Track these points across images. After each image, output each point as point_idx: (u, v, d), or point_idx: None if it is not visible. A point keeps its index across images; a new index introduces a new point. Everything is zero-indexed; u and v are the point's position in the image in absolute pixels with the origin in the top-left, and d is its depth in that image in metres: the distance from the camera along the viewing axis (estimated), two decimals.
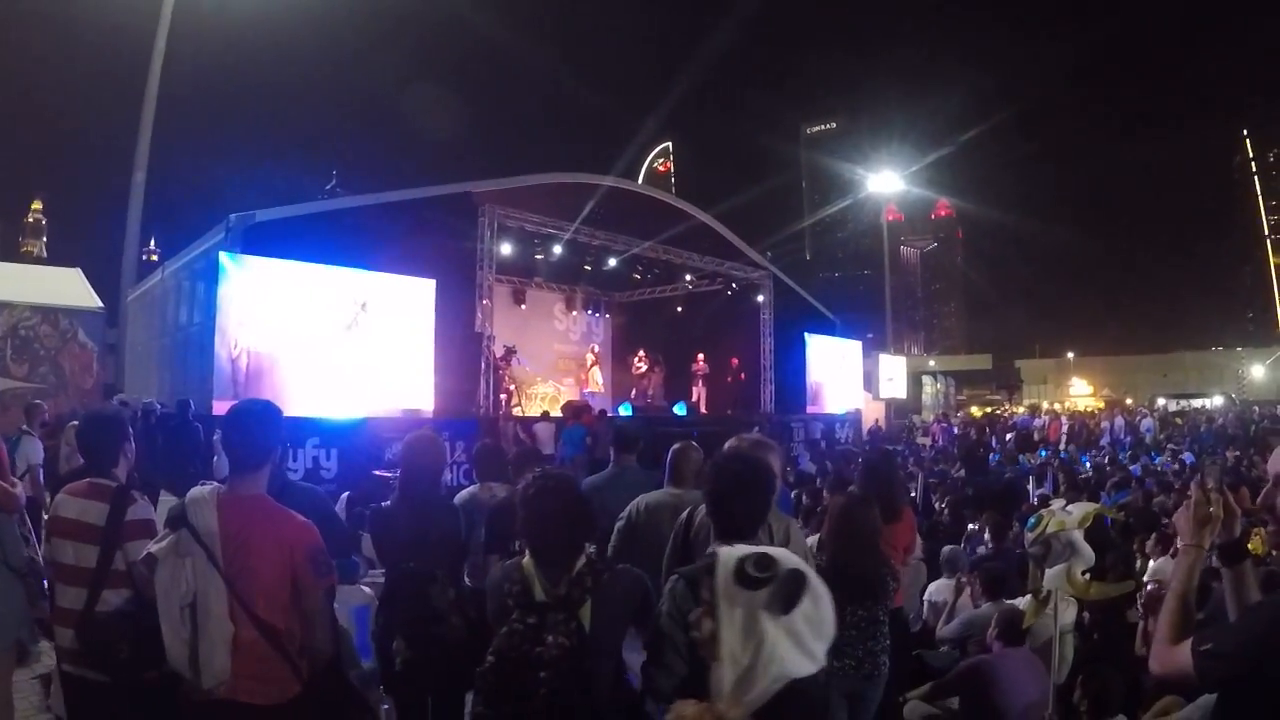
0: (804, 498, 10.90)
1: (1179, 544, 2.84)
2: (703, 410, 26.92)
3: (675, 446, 5.51)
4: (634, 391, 28.11)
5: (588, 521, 3.53)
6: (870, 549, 4.88)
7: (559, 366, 28.41)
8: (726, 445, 4.56)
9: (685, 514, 4.43)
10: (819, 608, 2.32)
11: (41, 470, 9.29)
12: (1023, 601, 6.44)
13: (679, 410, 26.36)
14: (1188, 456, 20.14)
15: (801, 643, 2.30)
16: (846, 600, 4.69)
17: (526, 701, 3.08)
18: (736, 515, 3.49)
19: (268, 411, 3.73)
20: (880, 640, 4.86)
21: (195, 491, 3.44)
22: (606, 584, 3.31)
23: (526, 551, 3.42)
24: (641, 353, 28.77)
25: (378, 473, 11.94)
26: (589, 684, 3.15)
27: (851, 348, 34.04)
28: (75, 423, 10.05)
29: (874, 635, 4.82)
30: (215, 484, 3.51)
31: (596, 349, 29.08)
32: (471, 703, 3.24)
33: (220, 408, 13.84)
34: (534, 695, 3.08)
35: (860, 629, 4.76)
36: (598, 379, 28.55)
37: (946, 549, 8.34)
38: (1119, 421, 31.51)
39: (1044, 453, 17.26)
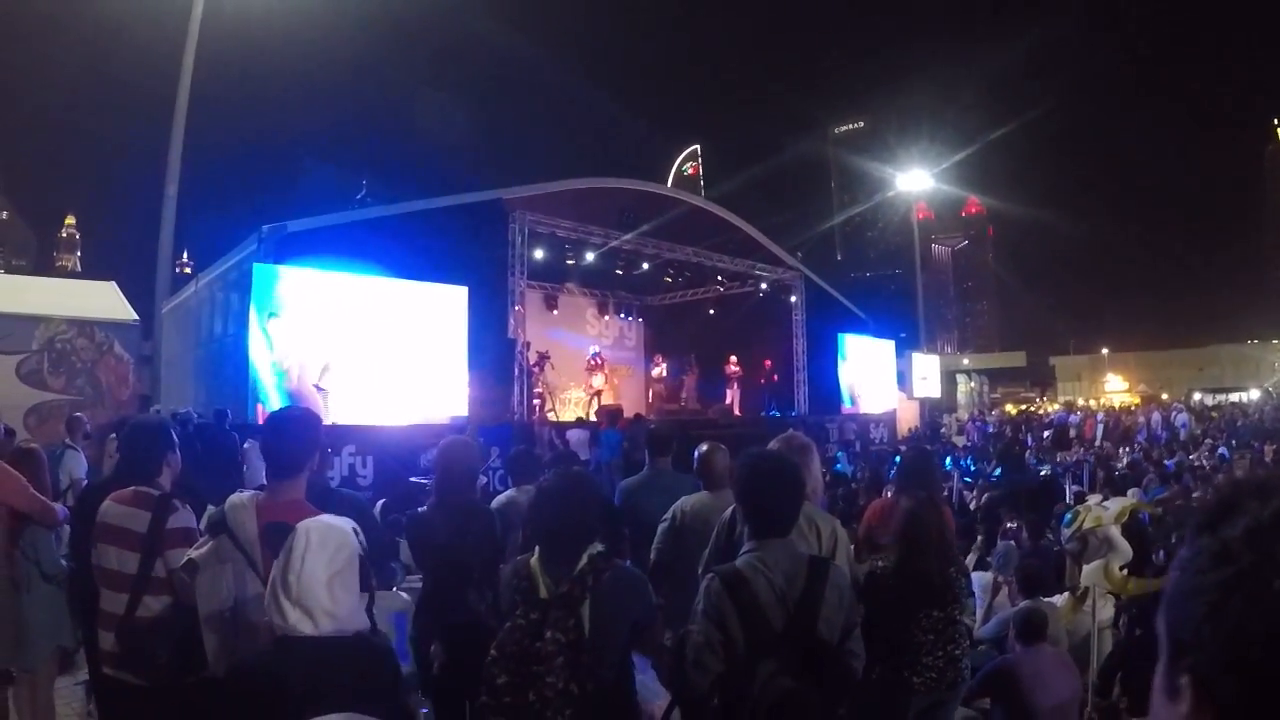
0: (839, 500, 10.87)
1: None
2: (736, 413, 26.83)
3: (701, 449, 5.52)
4: (651, 394, 28.07)
5: (596, 521, 3.57)
6: (939, 552, 4.82)
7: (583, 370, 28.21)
8: (770, 445, 4.58)
9: (729, 513, 4.44)
10: (290, 571, 2.65)
11: (85, 485, 9.36)
12: (1060, 599, 6.42)
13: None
14: (1224, 451, 19.99)
15: (274, 593, 2.68)
16: (918, 604, 4.70)
17: (525, 694, 3.13)
18: (767, 513, 3.50)
19: (306, 418, 3.78)
20: (960, 643, 4.79)
21: (235, 497, 3.49)
22: (608, 583, 3.35)
23: (535, 549, 3.48)
24: (658, 356, 28.78)
25: (414, 479, 11.98)
26: (587, 680, 3.19)
27: (884, 347, 33.73)
28: (114, 435, 10.18)
29: (952, 639, 4.74)
30: (255, 491, 3.55)
31: (597, 349, 28.35)
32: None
33: (256, 417, 13.94)
34: (533, 689, 3.14)
35: (938, 632, 4.68)
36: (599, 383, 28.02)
37: (1000, 545, 8.31)
38: (1155, 417, 31.29)
39: (1089, 461, 17.06)
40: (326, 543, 2.69)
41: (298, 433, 3.68)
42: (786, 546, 3.46)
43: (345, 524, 2.83)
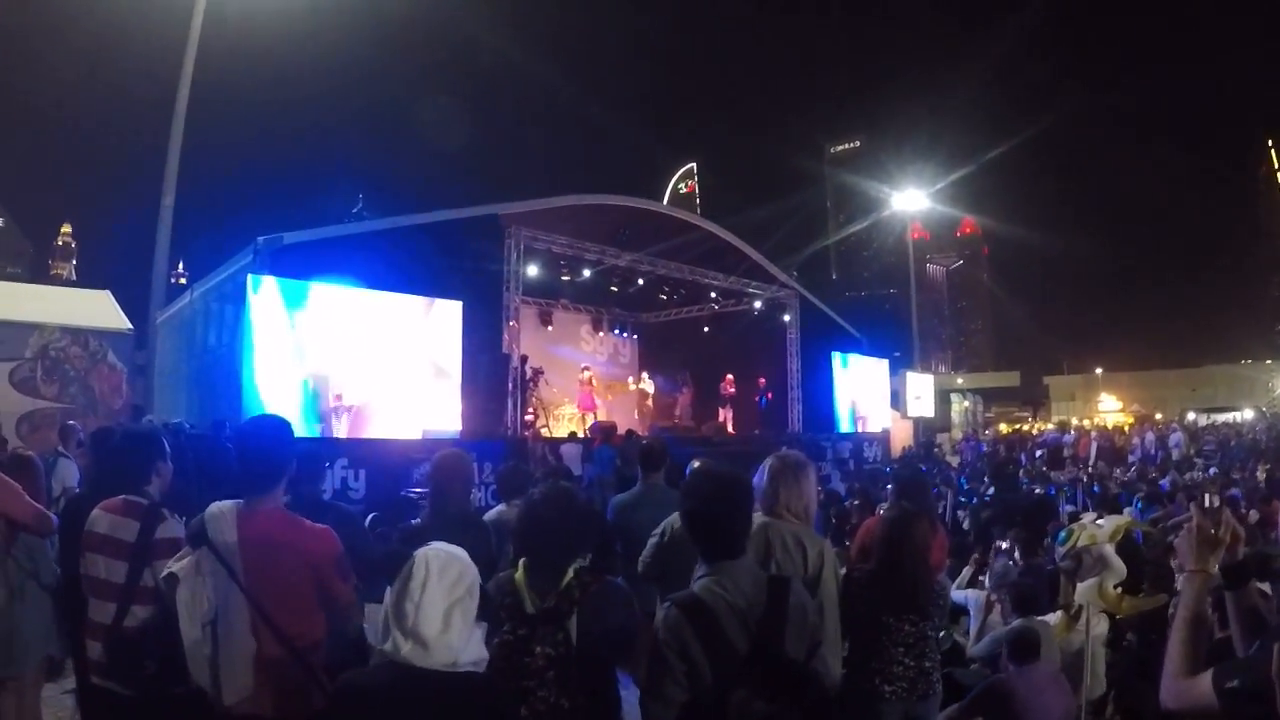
0: (833, 518, 10.88)
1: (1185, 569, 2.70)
2: (730, 431, 26.82)
3: (694, 466, 5.51)
4: (637, 411, 28.04)
5: (582, 535, 3.58)
6: (919, 563, 4.79)
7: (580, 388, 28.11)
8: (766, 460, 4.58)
9: None
10: (407, 600, 2.59)
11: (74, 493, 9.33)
12: (1053, 617, 6.41)
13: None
14: (1215, 472, 20.02)
15: (386, 623, 2.63)
16: (891, 614, 4.67)
17: (517, 709, 3.12)
18: (716, 536, 3.38)
19: (279, 428, 3.76)
20: (931, 657, 4.77)
21: (214, 507, 3.48)
22: (594, 596, 3.35)
23: (520, 564, 3.48)
24: (643, 372, 28.81)
25: (407, 492, 11.96)
26: (577, 693, 3.21)
27: (879, 366, 33.83)
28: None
29: (923, 652, 4.72)
30: (236, 501, 3.53)
31: (588, 372, 28.07)
32: None
33: None
34: (524, 704, 3.15)
35: (908, 645, 4.66)
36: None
37: (998, 564, 8.30)
38: (1149, 437, 31.29)
39: (1083, 480, 17.05)
40: (447, 571, 2.65)
41: (270, 443, 3.67)
42: (743, 567, 3.37)
43: (463, 553, 2.78)
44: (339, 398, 16.14)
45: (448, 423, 17.65)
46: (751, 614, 3.21)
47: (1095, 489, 15.65)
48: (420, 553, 2.67)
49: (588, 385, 26.13)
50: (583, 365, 26.91)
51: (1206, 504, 2.67)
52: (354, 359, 16.46)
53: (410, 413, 17.04)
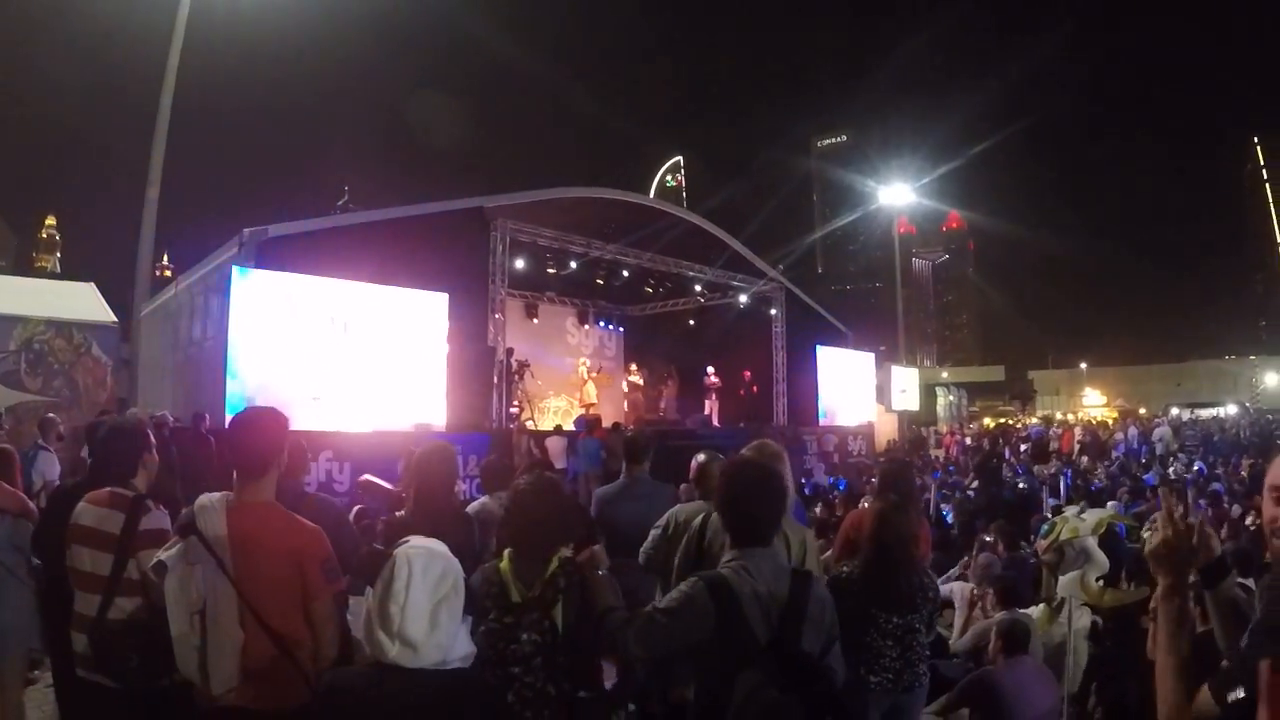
0: (818, 510, 10.91)
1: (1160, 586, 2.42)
2: (715, 423, 26.79)
3: (699, 459, 5.52)
4: (627, 404, 28.05)
5: (567, 525, 3.64)
6: (906, 556, 4.80)
7: (571, 380, 28.27)
8: (741, 452, 4.57)
9: (699, 520, 4.44)
10: (392, 603, 2.52)
11: (56, 486, 9.29)
12: (1035, 610, 6.43)
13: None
14: (1201, 466, 20.11)
15: (371, 626, 2.56)
16: (880, 608, 4.69)
17: (504, 696, 3.18)
18: (750, 521, 3.45)
19: (269, 418, 3.74)
20: (919, 650, 4.78)
21: (204, 498, 3.46)
22: (579, 585, 3.40)
23: (504, 554, 3.53)
24: (633, 366, 28.79)
25: (388, 486, 11.88)
26: (563, 680, 3.27)
27: (864, 360, 33.84)
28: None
29: (911, 645, 4.73)
30: (225, 492, 3.52)
31: (587, 364, 28.35)
32: None
33: None
34: (510, 690, 3.21)
35: (896, 638, 4.67)
36: (592, 394, 27.96)
37: (983, 557, 8.33)
38: (1133, 431, 31.41)
39: (1066, 474, 17.02)
40: (430, 570, 2.59)
41: (260, 434, 3.64)
42: (770, 556, 3.43)
43: (444, 548, 2.73)
44: (323, 390, 16.07)
45: (433, 415, 17.59)
46: (773, 603, 3.26)
47: (1080, 482, 15.74)
48: (401, 552, 2.63)
49: (589, 379, 26.26)
50: (583, 360, 27.12)
51: (1177, 515, 2.50)
52: (339, 352, 16.41)
53: (396, 405, 16.99)
